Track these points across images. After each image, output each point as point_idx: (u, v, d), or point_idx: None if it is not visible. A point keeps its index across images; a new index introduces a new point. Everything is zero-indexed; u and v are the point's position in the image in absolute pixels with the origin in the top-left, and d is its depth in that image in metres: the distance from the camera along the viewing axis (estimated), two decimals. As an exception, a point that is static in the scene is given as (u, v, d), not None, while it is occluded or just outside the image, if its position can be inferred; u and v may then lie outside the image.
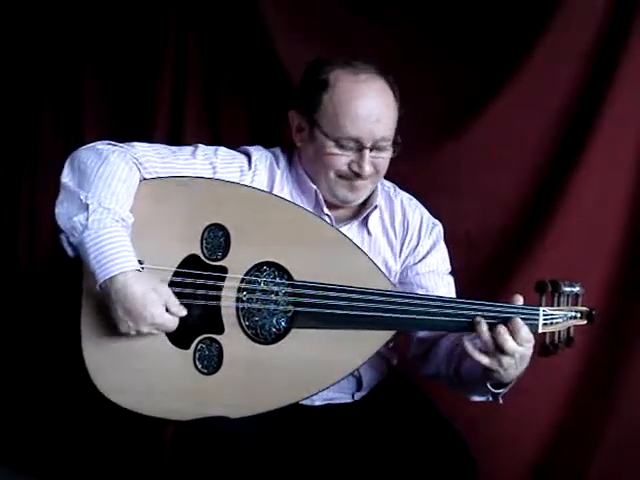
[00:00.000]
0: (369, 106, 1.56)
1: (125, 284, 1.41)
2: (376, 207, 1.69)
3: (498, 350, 1.41)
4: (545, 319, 1.46)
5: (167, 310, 1.46)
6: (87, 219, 1.43)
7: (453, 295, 1.71)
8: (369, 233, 1.70)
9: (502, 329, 1.41)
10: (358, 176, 1.59)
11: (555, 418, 2.13)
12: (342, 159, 1.58)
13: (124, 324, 1.45)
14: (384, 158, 1.61)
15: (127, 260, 1.43)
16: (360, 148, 1.57)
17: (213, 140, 2.37)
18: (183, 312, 1.48)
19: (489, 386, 1.51)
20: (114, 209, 1.45)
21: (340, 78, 1.58)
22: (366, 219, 1.69)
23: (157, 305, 1.44)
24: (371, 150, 1.57)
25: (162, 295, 1.45)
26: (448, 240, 1.80)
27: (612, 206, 2.08)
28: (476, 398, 1.62)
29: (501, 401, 1.57)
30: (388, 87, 1.61)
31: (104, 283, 1.42)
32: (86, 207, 1.45)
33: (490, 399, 1.58)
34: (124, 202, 1.48)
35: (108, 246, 1.42)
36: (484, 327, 1.43)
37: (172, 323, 1.47)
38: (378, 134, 1.57)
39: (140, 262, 1.47)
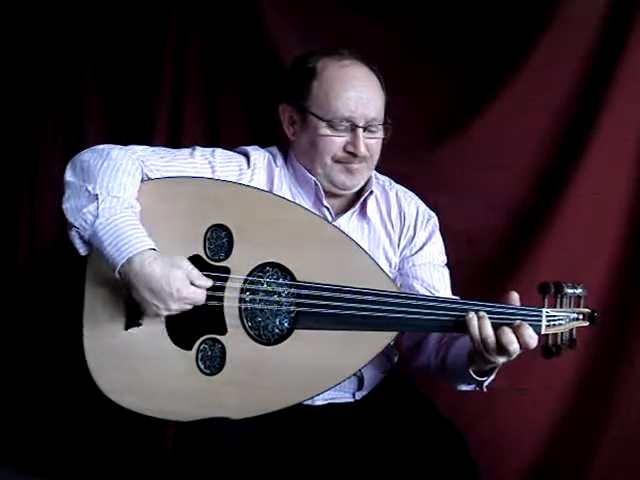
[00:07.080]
0: (358, 87, 1.60)
1: (143, 264, 1.41)
2: (372, 192, 1.70)
3: (501, 349, 1.41)
4: (548, 320, 1.46)
5: (192, 284, 1.44)
6: (97, 208, 1.44)
7: (448, 287, 1.73)
8: (369, 222, 1.71)
9: (507, 329, 1.41)
10: (354, 157, 1.60)
11: (555, 418, 2.14)
12: (337, 141, 1.60)
13: (151, 306, 1.43)
14: (377, 139, 1.64)
15: (142, 241, 1.42)
16: (353, 128, 1.59)
17: (212, 138, 2.38)
18: (209, 283, 1.46)
19: (472, 374, 1.51)
20: (122, 197, 1.46)
21: (327, 64, 1.63)
22: (364, 206, 1.70)
23: (181, 279, 1.42)
24: (364, 130, 1.60)
25: (184, 269, 1.43)
26: (448, 239, 1.80)
27: (612, 205, 2.09)
28: (463, 387, 1.63)
29: (485, 390, 1.57)
30: (373, 73, 1.65)
31: (122, 268, 1.41)
32: (95, 197, 1.45)
33: (477, 388, 1.59)
34: (131, 192, 1.49)
35: (122, 230, 1.42)
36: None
37: (200, 295, 1.45)
38: (369, 114, 1.60)
39: None
